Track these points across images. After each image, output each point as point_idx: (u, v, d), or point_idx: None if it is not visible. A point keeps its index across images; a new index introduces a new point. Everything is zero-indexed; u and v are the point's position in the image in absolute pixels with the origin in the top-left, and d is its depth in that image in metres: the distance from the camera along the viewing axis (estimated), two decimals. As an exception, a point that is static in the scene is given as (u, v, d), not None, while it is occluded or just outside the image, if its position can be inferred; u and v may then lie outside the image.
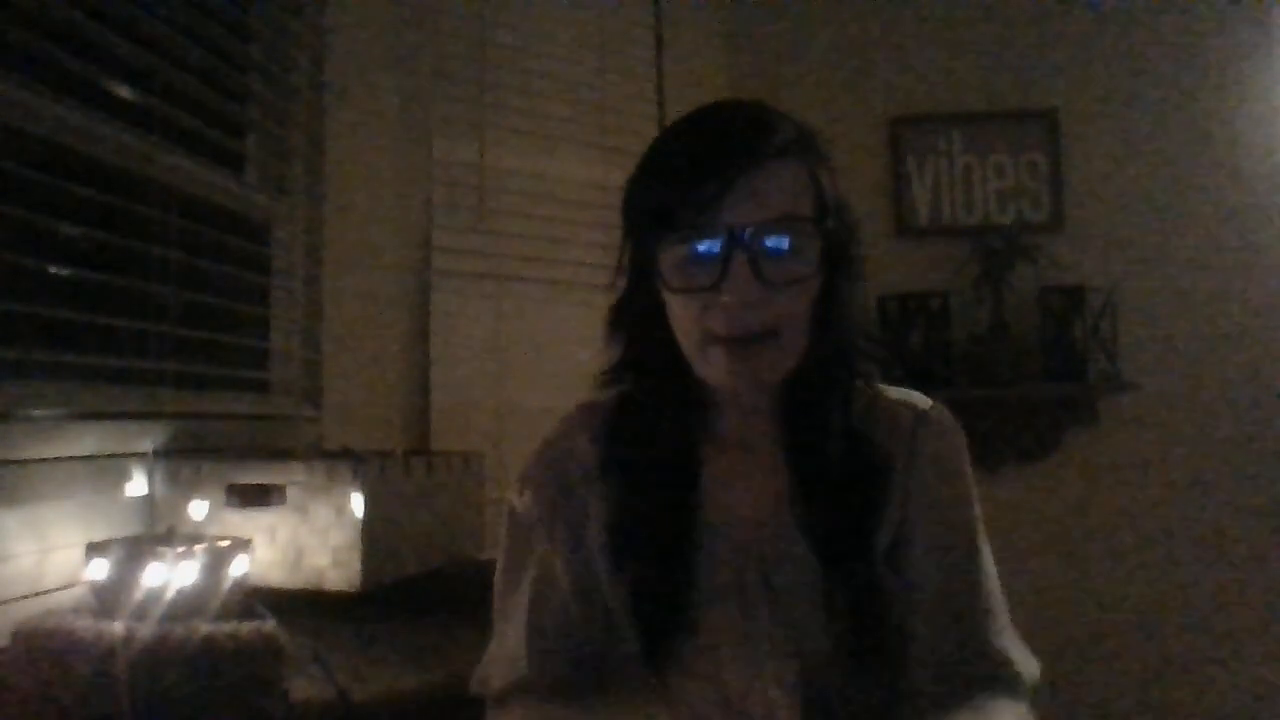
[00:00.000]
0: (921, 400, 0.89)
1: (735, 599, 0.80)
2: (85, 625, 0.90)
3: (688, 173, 0.76)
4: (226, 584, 1.01)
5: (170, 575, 0.96)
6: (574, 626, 0.84)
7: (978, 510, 0.86)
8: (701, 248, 0.76)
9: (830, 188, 0.81)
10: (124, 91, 1.30)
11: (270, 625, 0.96)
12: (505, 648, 0.86)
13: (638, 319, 0.85)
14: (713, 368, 0.79)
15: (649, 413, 0.86)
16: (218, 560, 1.01)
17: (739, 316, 0.76)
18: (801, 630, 0.79)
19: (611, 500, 0.84)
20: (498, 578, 0.89)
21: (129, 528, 1.23)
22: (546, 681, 0.83)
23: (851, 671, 0.78)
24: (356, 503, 1.23)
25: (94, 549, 0.99)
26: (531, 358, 2.11)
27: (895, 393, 0.89)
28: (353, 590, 1.22)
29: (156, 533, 1.17)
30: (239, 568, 1.03)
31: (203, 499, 1.23)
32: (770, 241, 0.76)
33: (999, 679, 0.81)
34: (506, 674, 0.85)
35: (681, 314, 0.79)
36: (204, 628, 0.91)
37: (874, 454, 0.83)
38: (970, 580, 0.84)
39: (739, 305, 0.75)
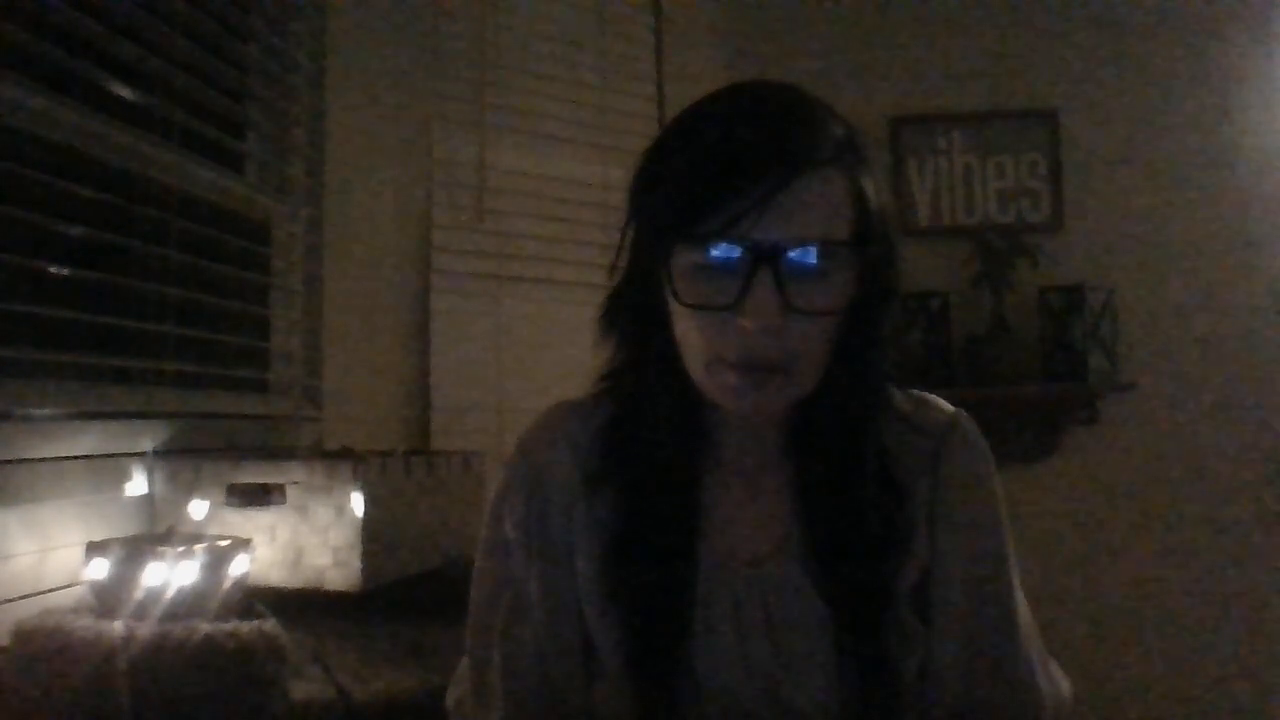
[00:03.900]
0: (942, 409, 0.81)
1: (733, 635, 0.74)
2: (85, 625, 0.90)
3: (717, 176, 0.66)
4: (226, 584, 1.01)
5: (170, 575, 0.96)
6: (548, 664, 0.77)
7: (1007, 533, 0.79)
8: (723, 262, 0.66)
9: (875, 202, 0.70)
10: (124, 91, 1.30)
11: (270, 625, 0.95)
12: (481, 680, 0.79)
13: (635, 318, 0.76)
14: (719, 390, 0.70)
15: (646, 427, 0.77)
16: (218, 560, 1.01)
17: (756, 343, 0.66)
18: (801, 669, 0.73)
19: (601, 523, 0.77)
20: (473, 595, 0.82)
21: (129, 528, 1.23)
22: None
23: (854, 714, 0.72)
24: (356, 502, 1.23)
25: (94, 549, 0.99)
26: (531, 358, 2.10)
27: (911, 400, 0.81)
28: (353, 590, 1.22)
29: (156, 533, 1.17)
30: (239, 567, 1.03)
31: (203, 499, 1.23)
32: (801, 264, 0.66)
33: (1025, 715, 0.75)
34: (483, 713, 0.78)
35: (690, 329, 0.70)
36: (204, 628, 0.91)
37: (892, 486, 0.75)
38: (1001, 613, 0.76)
39: (758, 331, 0.65)
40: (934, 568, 0.76)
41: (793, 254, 0.65)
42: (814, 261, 0.66)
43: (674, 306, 0.70)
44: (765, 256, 0.64)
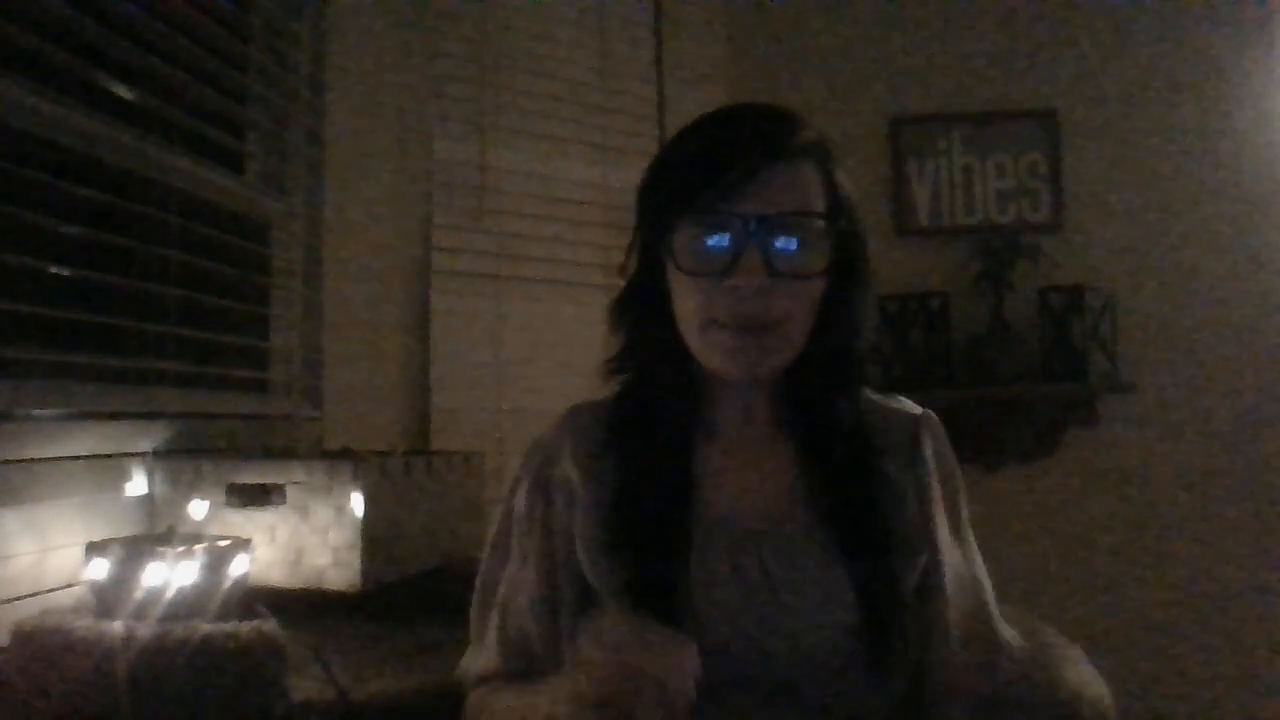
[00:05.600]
0: (913, 406, 0.94)
1: (736, 589, 0.80)
2: (85, 625, 0.90)
3: (712, 160, 0.79)
4: (226, 584, 1.00)
5: (170, 575, 0.96)
6: (539, 623, 0.87)
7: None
8: (717, 233, 0.79)
9: (845, 192, 0.84)
10: (124, 91, 1.30)
11: (270, 625, 0.95)
12: (480, 636, 0.92)
13: (643, 308, 0.87)
14: (713, 352, 0.81)
15: (646, 403, 0.88)
16: (218, 560, 1.01)
17: (745, 303, 0.78)
18: (793, 598, 0.79)
19: (603, 494, 0.85)
20: (482, 563, 0.94)
21: (129, 528, 1.23)
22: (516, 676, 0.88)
23: (866, 661, 0.79)
24: (356, 503, 1.23)
25: (94, 549, 0.99)
26: (531, 358, 2.10)
27: (882, 396, 0.94)
28: (353, 590, 1.22)
29: (156, 533, 1.17)
30: (239, 568, 1.03)
31: (203, 499, 1.23)
32: (783, 234, 0.79)
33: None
34: (482, 667, 0.90)
35: (687, 297, 0.81)
36: (204, 628, 0.91)
37: (872, 446, 0.87)
38: (973, 570, 0.89)
39: (747, 292, 0.77)
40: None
41: (781, 234, 0.78)
42: (796, 239, 0.79)
43: (674, 284, 0.83)
44: (753, 228, 0.77)
